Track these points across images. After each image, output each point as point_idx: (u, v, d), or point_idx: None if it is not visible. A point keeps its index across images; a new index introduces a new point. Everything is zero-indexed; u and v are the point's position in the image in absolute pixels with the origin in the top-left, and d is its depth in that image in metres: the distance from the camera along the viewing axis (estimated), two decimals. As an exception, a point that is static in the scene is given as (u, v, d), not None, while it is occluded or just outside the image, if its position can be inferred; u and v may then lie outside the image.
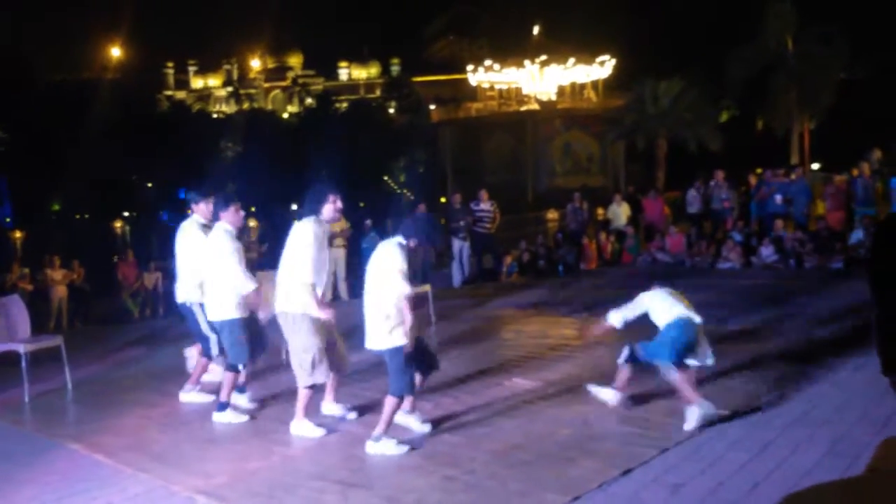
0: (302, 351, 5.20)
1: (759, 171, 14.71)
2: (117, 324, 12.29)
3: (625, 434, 4.79)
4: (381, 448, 4.72)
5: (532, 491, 4.03)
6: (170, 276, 13.71)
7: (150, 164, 57.66)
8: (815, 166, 28.75)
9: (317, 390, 5.42)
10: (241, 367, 5.73)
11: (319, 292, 5.28)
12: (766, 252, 12.01)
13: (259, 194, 59.22)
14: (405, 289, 4.76)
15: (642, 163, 37.59)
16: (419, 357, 4.94)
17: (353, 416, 5.51)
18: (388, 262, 4.88)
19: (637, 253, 13.96)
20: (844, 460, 4.11)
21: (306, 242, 5.26)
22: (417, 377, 5.03)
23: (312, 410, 5.41)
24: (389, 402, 4.80)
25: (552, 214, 26.70)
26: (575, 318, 8.91)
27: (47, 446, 5.39)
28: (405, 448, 4.72)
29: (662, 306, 5.18)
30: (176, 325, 11.13)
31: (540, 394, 5.83)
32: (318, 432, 5.15)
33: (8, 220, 50.74)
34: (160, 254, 17.02)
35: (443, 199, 14.08)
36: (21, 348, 6.73)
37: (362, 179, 56.89)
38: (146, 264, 13.66)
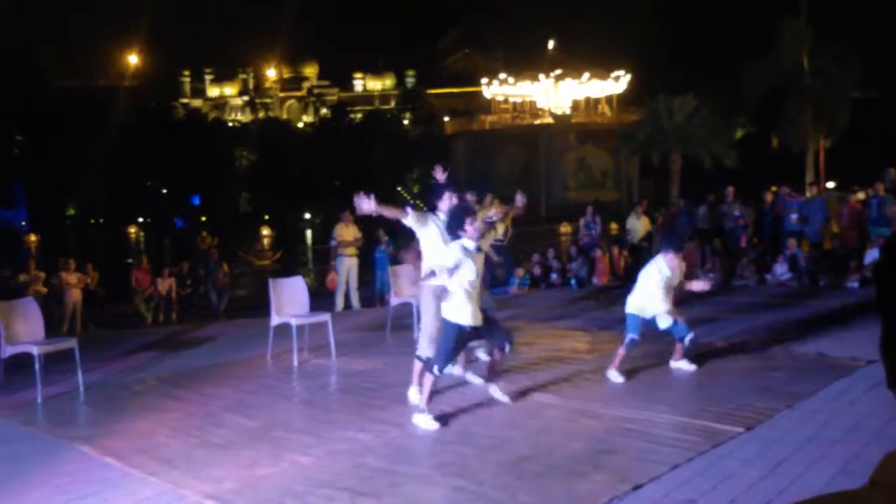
0: (430, 326, 5.87)
1: (773, 188, 14.65)
2: (130, 328, 12.36)
3: (636, 449, 4.76)
4: (419, 421, 5.35)
5: (541, 504, 4.01)
6: (182, 281, 13.82)
7: (166, 171, 58.11)
8: (831, 185, 28.61)
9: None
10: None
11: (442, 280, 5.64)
12: (781, 270, 11.94)
13: (273, 203, 59.65)
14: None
15: (656, 178, 37.54)
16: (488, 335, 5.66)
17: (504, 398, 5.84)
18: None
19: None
20: (857, 480, 4.03)
21: (426, 235, 5.96)
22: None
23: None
24: (427, 377, 5.46)
25: (565, 228, 26.70)
26: (586, 333, 8.88)
27: (58, 448, 5.42)
28: (437, 424, 5.30)
29: None
30: (187, 330, 11.21)
31: (550, 406, 5.81)
32: (434, 426, 5.37)
33: (24, 223, 51.19)
34: (174, 260, 17.16)
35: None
36: (35, 350, 6.78)
37: (376, 190, 56.97)
38: (160, 270, 13.74)
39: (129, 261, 14.23)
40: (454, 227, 5.44)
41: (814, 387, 5.95)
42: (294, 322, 7.86)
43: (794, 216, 12.82)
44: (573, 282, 13.62)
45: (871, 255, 11.28)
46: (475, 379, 6.26)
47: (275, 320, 8.04)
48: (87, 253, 18.17)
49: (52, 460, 5.15)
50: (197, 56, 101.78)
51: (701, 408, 5.53)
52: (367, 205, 5.66)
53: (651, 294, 6.48)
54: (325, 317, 8.16)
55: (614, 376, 6.46)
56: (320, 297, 12.42)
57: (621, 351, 6.53)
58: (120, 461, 5.01)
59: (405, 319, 9.41)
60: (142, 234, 56.24)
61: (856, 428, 4.97)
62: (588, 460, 4.60)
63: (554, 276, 14.02)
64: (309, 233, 50.79)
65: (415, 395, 5.95)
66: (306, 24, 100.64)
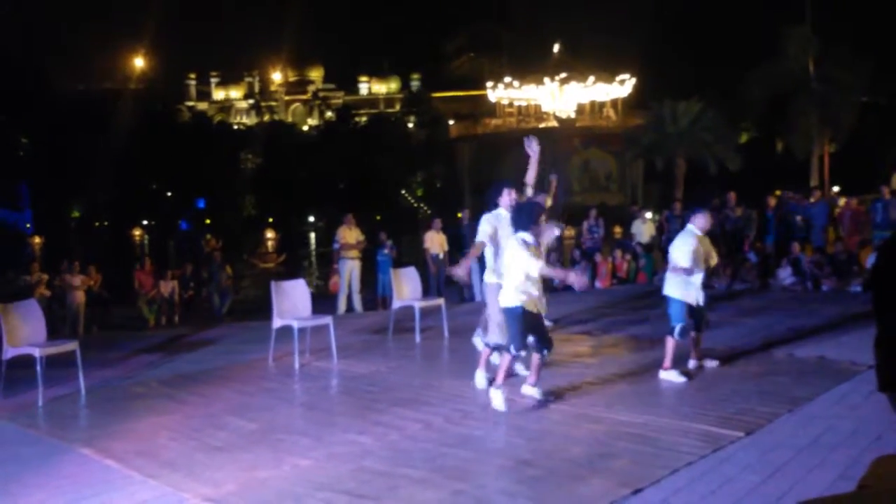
0: (497, 315, 6.18)
1: (778, 192, 14.63)
2: (133, 330, 12.39)
3: (636, 453, 4.75)
4: (494, 396, 5.73)
5: (540, 508, 4.00)
6: (185, 283, 13.85)
7: (170, 174, 58.27)
8: (836, 189, 28.58)
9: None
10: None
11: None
12: (784, 274, 11.92)
13: (277, 206, 59.76)
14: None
15: (661, 182, 37.52)
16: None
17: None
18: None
19: (652, 273, 13.90)
20: (855, 486, 4.05)
21: (482, 230, 6.48)
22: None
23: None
24: (504, 356, 5.84)
25: (569, 232, 26.67)
26: (588, 337, 8.86)
27: (59, 450, 5.43)
28: (505, 407, 5.66)
29: None
30: (189, 333, 11.23)
31: (551, 410, 5.80)
32: (503, 406, 5.68)
33: (28, 225, 51.33)
34: (177, 262, 17.19)
35: (459, 215, 14.14)
36: (36, 352, 6.80)
37: (380, 193, 57.13)
38: (163, 272, 13.77)
39: (135, 264, 14.20)
40: (522, 223, 5.74)
41: (814, 391, 5.93)
42: (296, 325, 7.86)
43: (798, 219, 12.80)
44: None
45: (874, 259, 11.26)
46: (522, 371, 6.54)
47: (277, 323, 8.05)
48: (91, 255, 18.20)
49: (52, 462, 5.16)
50: (203, 59, 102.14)
51: (701, 412, 5.51)
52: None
53: (684, 262, 6.49)
54: (327, 319, 8.17)
55: (673, 377, 6.39)
56: (323, 300, 12.44)
57: (670, 344, 6.47)
58: (120, 463, 5.01)
59: (407, 322, 9.41)
60: (146, 236, 56.37)
61: (856, 433, 4.96)
62: (588, 464, 4.59)
63: (555, 283, 13.99)
64: (313, 236, 50.88)
65: (480, 378, 6.46)
66: (312, 27, 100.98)
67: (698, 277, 6.56)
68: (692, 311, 6.58)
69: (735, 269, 12.61)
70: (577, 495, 4.15)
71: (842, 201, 13.39)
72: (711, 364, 6.81)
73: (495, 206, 6.59)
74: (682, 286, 6.55)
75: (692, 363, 6.79)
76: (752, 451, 4.68)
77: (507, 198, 6.53)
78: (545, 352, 5.93)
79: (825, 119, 29.59)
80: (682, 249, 6.54)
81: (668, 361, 6.46)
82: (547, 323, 6.59)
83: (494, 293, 6.27)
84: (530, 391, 6.01)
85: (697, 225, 6.64)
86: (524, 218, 5.77)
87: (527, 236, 5.70)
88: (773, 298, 11.07)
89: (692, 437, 4.92)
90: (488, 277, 6.56)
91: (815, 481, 4.18)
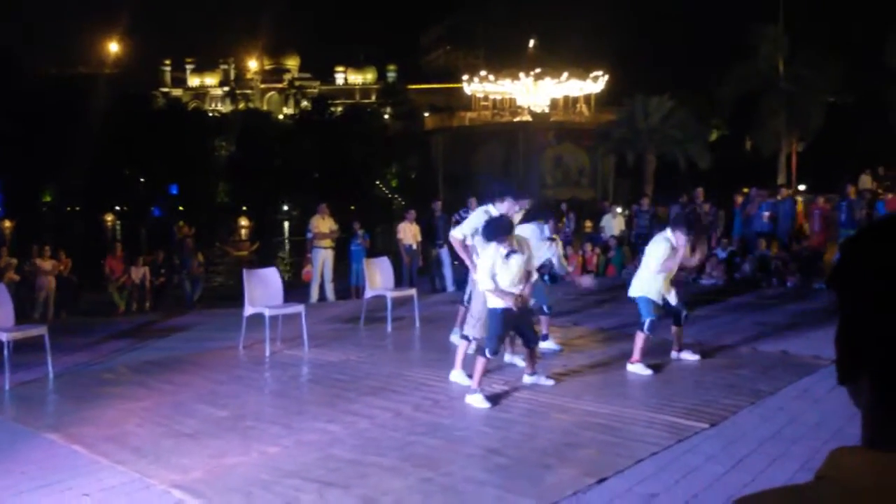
0: (478, 310, 6.32)
1: (745, 190, 14.85)
2: (103, 316, 12.26)
3: (602, 443, 4.83)
4: (473, 400, 5.68)
5: (508, 496, 4.06)
6: (156, 270, 13.72)
7: (144, 160, 57.51)
8: (802, 188, 29.04)
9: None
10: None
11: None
12: (749, 270, 12.11)
13: (252, 194, 59.26)
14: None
15: (631, 177, 37.83)
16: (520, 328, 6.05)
17: (548, 382, 6.21)
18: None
19: (622, 266, 14.05)
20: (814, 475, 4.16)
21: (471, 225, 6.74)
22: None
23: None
24: (479, 359, 5.82)
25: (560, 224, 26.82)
26: (557, 328, 8.95)
27: (25, 435, 5.38)
28: (488, 404, 5.62)
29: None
30: (160, 319, 11.14)
31: (520, 400, 5.87)
32: (485, 405, 5.66)
33: (-1, 209, 50.40)
34: (149, 248, 17.01)
35: (432, 207, 14.17)
36: (3, 336, 6.72)
37: (354, 183, 56.89)
38: (135, 258, 13.62)
39: (108, 251, 14.03)
40: (494, 235, 5.82)
41: (778, 385, 6.07)
42: (267, 312, 7.85)
43: (765, 214, 13.01)
44: (546, 278, 13.67)
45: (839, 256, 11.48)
46: (520, 362, 6.64)
47: (248, 311, 8.03)
48: (62, 240, 17.93)
49: (18, 448, 5.11)
50: (178, 45, 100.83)
51: (666, 403, 5.62)
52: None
53: (654, 266, 6.64)
54: (299, 308, 8.17)
55: (639, 369, 6.53)
56: (295, 289, 12.39)
57: (639, 338, 6.62)
58: (87, 449, 4.99)
59: (379, 312, 9.43)
60: (118, 222, 55.62)
61: (818, 426, 5.08)
62: (555, 453, 4.67)
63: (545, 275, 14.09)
64: (286, 224, 50.56)
65: (457, 376, 6.37)
66: (289, 16, 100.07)
67: (661, 277, 6.69)
68: (661, 306, 6.71)
69: (701, 265, 12.78)
70: (544, 484, 4.21)
71: (822, 201, 13.62)
72: (691, 358, 6.93)
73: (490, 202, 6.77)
74: (645, 284, 6.71)
75: (673, 354, 6.96)
76: (716, 443, 4.78)
77: (508, 208, 6.63)
78: (532, 345, 6.17)
79: (793, 118, 30.04)
80: (655, 256, 6.68)
81: (636, 355, 6.59)
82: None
83: (479, 289, 6.40)
84: (531, 379, 6.23)
85: (677, 241, 6.70)
86: (501, 231, 5.83)
87: (503, 249, 5.80)
88: (739, 294, 11.25)
89: (657, 428, 5.01)
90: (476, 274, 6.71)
91: (776, 472, 4.29)
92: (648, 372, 6.50)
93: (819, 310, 9.44)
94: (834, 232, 12.83)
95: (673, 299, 6.80)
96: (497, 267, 5.79)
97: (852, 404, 0.84)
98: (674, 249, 6.65)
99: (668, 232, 6.80)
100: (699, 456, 4.57)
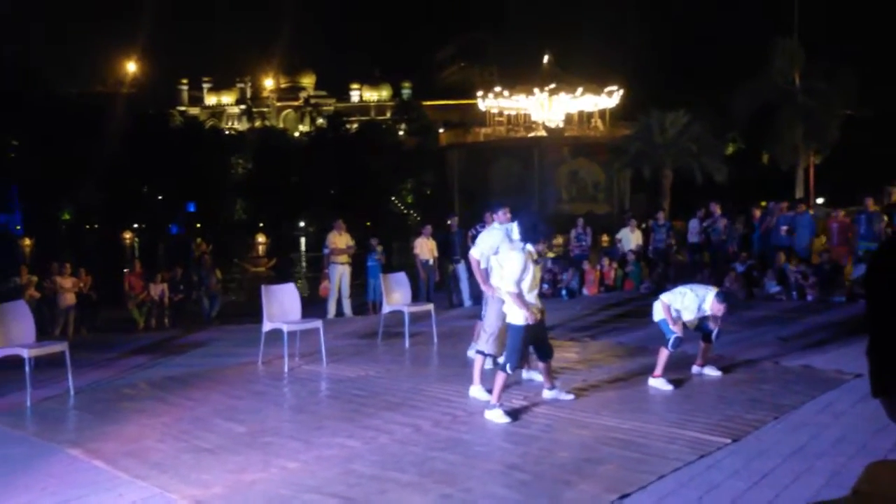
0: (493, 325, 6.44)
1: (763, 203, 14.76)
2: (122, 333, 12.34)
3: (623, 458, 4.79)
4: (492, 415, 5.65)
5: (528, 511, 4.03)
6: (174, 286, 13.81)
7: (161, 178, 58.13)
8: (820, 201, 28.84)
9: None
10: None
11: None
12: (769, 284, 12.02)
13: (268, 211, 59.68)
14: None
15: (648, 192, 37.73)
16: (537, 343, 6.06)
17: (568, 397, 6.21)
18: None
19: (639, 280, 13.99)
20: (843, 492, 4.05)
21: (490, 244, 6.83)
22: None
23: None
24: (498, 375, 5.81)
25: (557, 240, 26.74)
26: (576, 343, 8.91)
27: (47, 451, 5.41)
28: (508, 419, 5.59)
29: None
30: (179, 335, 11.20)
31: (540, 416, 5.83)
32: (505, 420, 5.63)
33: (18, 227, 51.02)
34: (168, 265, 17.13)
35: (448, 222, 14.22)
36: (25, 353, 6.77)
37: (370, 199, 57.15)
38: (153, 275, 13.72)
39: (127, 268, 14.14)
40: (529, 238, 5.92)
41: (801, 399, 5.99)
42: (285, 328, 7.87)
43: (783, 228, 12.92)
44: (563, 293, 13.66)
45: (860, 269, 11.38)
46: (538, 377, 6.63)
47: (266, 326, 8.06)
48: (81, 257, 18.10)
49: (40, 463, 5.14)
50: (195, 65, 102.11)
51: (688, 418, 5.56)
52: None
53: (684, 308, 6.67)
54: (317, 323, 8.18)
55: (660, 384, 6.50)
56: (313, 305, 12.43)
57: (663, 354, 6.59)
58: (108, 464, 5.00)
59: (397, 327, 9.43)
60: (136, 239, 56.10)
61: (842, 440, 5.01)
62: (575, 469, 4.62)
63: (545, 287, 14.05)
64: (303, 240, 50.78)
65: (476, 392, 6.35)
66: (304, 34, 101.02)
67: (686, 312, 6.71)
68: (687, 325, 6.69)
69: (720, 279, 12.69)
70: (564, 500, 4.17)
71: (841, 214, 13.51)
72: (713, 373, 6.88)
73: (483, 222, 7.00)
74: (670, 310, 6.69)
75: (695, 369, 6.92)
76: (738, 458, 4.72)
77: (503, 217, 6.90)
78: (547, 359, 6.16)
79: (810, 132, 29.88)
80: (677, 299, 6.68)
81: (658, 370, 6.54)
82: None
83: (494, 305, 6.43)
84: (550, 394, 6.22)
85: (712, 308, 6.64)
86: (539, 233, 5.96)
87: (532, 249, 5.88)
88: (759, 308, 11.15)
89: (679, 444, 4.96)
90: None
91: (801, 488, 4.22)
92: (670, 387, 6.45)
93: (840, 324, 9.34)
94: (854, 245, 12.70)
95: (711, 324, 6.80)
96: (525, 272, 5.81)
97: (887, 416, 0.83)
98: (702, 312, 6.66)
99: (707, 299, 6.66)
100: (722, 472, 4.51)
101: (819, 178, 31.43)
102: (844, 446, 4.89)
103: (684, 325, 6.70)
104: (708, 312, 6.68)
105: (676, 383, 6.56)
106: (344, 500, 4.25)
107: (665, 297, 6.78)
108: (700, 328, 6.82)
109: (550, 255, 6.82)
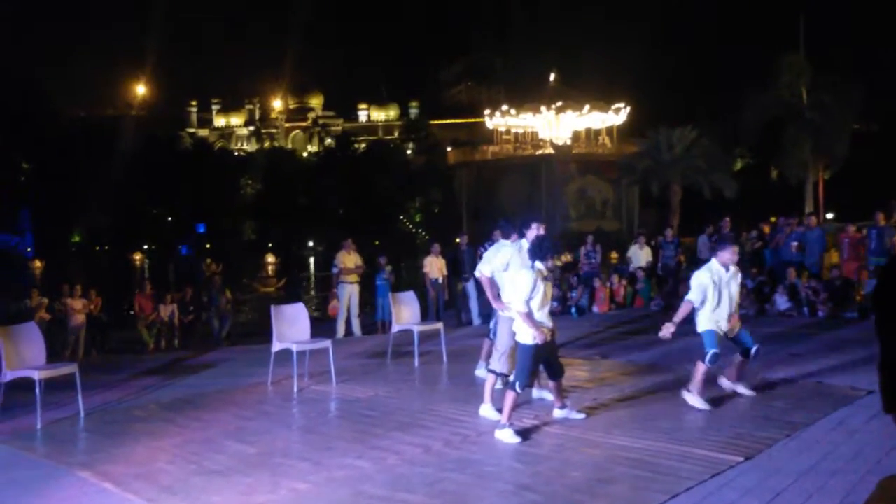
0: (505, 344, 6.41)
1: (773, 219, 14.71)
2: (133, 354, 12.37)
3: (635, 478, 4.75)
4: (502, 435, 5.64)
5: (540, 532, 4.00)
6: (184, 307, 13.86)
7: (171, 199, 58.49)
8: (830, 216, 28.73)
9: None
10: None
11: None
12: (780, 300, 11.96)
13: (277, 231, 59.92)
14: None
15: (657, 208, 37.68)
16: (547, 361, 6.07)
17: (579, 416, 6.18)
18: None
19: (649, 297, 13.94)
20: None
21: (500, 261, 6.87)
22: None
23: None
24: (508, 394, 5.78)
25: (566, 258, 26.70)
26: (586, 361, 8.87)
27: (57, 473, 5.42)
28: (518, 439, 5.59)
29: None
30: (189, 356, 11.22)
31: (550, 435, 5.81)
32: (515, 439, 5.62)
33: (29, 250, 51.35)
34: (178, 286, 17.19)
35: (457, 240, 14.27)
36: (36, 375, 6.79)
37: (379, 218, 57.31)
38: (163, 296, 13.78)
39: (137, 290, 14.21)
40: (537, 255, 5.88)
41: (813, 416, 5.94)
42: (295, 348, 7.88)
43: (794, 244, 12.86)
44: (573, 310, 13.63)
45: (871, 284, 11.30)
46: (549, 396, 6.60)
47: (276, 346, 8.06)
48: (91, 279, 18.20)
49: (50, 485, 5.15)
50: (204, 86, 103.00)
51: (700, 437, 5.52)
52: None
53: (694, 295, 6.52)
54: (326, 343, 8.18)
55: (692, 400, 6.37)
56: (322, 324, 12.44)
57: (700, 369, 6.42)
58: (119, 487, 5.00)
59: (406, 347, 9.42)
60: (146, 260, 56.36)
61: (855, 458, 4.96)
62: (587, 489, 4.60)
63: (555, 305, 14.02)
64: (312, 260, 50.90)
65: (487, 411, 6.33)
66: (312, 55, 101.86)
67: (722, 310, 6.52)
68: (725, 339, 6.58)
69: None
70: (577, 519, 4.14)
71: (852, 229, 13.42)
72: (745, 392, 6.73)
73: (521, 236, 6.81)
74: (707, 317, 6.55)
75: (727, 384, 6.81)
76: (751, 476, 4.68)
77: (536, 231, 6.70)
78: (558, 378, 6.14)
79: (818, 146, 29.84)
80: (692, 283, 6.59)
81: (694, 385, 6.42)
82: None
83: (506, 324, 6.41)
84: (561, 413, 6.19)
85: (721, 259, 6.57)
86: (548, 251, 5.89)
87: (542, 267, 5.85)
88: (770, 324, 11.08)
89: (691, 462, 4.92)
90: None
91: (814, 506, 4.18)
92: (706, 407, 6.29)
93: (852, 340, 9.27)
94: (863, 260, 12.63)
95: (745, 336, 6.66)
96: (535, 290, 5.79)
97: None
98: (721, 278, 6.51)
99: (712, 260, 6.64)
100: (735, 490, 4.47)
101: (829, 193, 31.35)
102: (858, 464, 4.84)
103: (724, 335, 6.57)
104: (730, 278, 6.53)
105: (709, 403, 6.38)
106: (354, 522, 4.23)
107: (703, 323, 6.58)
108: (737, 340, 6.68)
109: (559, 263, 6.62)
